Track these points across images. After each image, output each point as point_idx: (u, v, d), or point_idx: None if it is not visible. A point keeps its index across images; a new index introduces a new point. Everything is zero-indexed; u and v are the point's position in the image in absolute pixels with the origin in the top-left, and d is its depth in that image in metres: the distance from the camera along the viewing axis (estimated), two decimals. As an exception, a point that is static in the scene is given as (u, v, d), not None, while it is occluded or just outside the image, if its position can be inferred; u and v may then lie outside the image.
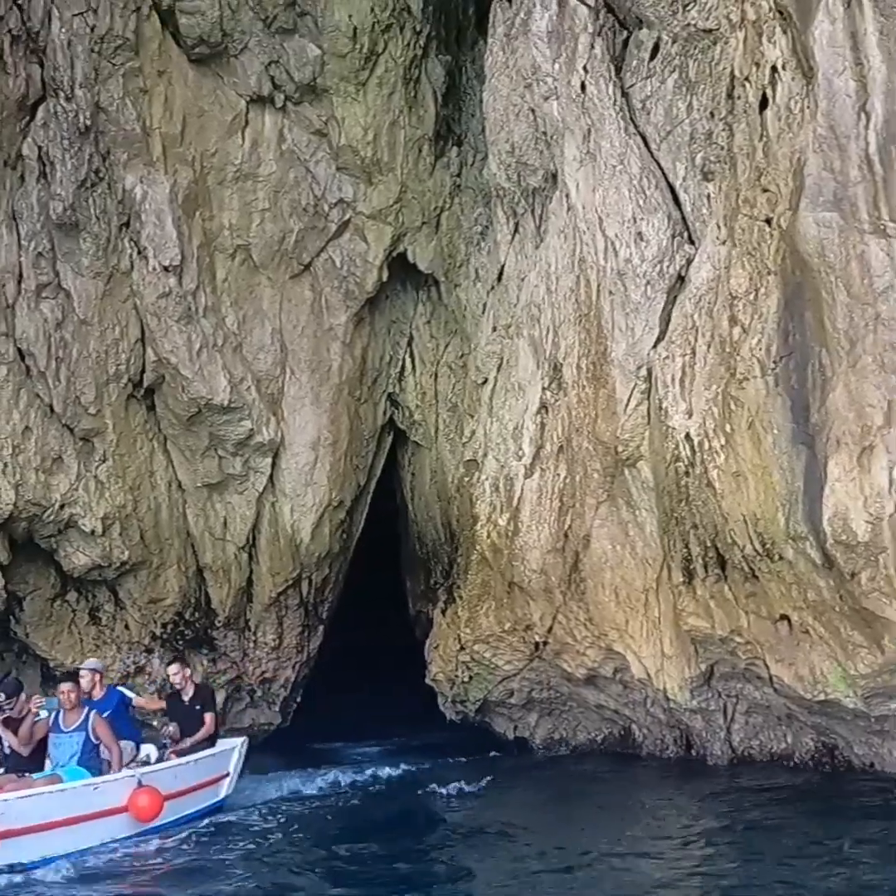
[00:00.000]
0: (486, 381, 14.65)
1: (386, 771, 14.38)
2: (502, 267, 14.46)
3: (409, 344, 17.76)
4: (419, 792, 13.00)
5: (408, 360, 17.75)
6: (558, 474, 12.99)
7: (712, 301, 11.53)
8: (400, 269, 17.11)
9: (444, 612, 15.05)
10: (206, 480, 16.17)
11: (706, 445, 11.29)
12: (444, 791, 12.81)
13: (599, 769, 13.64)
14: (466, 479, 14.66)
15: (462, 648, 13.91)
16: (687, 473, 11.57)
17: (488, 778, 13.33)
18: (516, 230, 13.97)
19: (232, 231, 16.13)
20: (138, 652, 16.45)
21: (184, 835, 11.28)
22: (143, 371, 15.62)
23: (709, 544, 11.53)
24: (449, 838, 11.10)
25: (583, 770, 13.74)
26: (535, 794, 12.88)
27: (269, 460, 16.28)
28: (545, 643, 13.21)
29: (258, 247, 16.27)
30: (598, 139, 12.09)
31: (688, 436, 11.50)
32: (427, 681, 15.54)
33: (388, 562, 20.99)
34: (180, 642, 16.64)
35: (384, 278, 16.76)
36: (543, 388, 13.19)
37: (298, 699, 17.87)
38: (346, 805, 12.73)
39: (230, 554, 16.58)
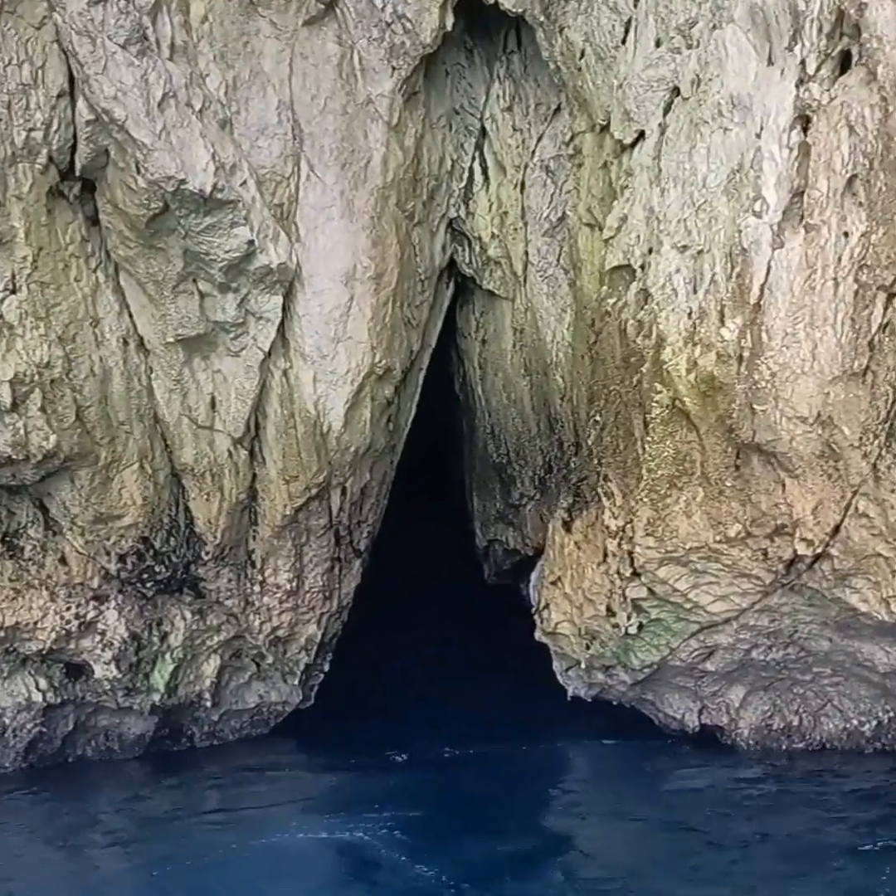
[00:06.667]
0: (640, 136, 7.68)
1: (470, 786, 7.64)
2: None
3: (480, 146, 10.78)
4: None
5: (478, 169, 10.78)
6: (847, 230, 6.07)
7: None
8: (466, 26, 10.18)
9: (567, 524, 8.14)
10: (180, 333, 9.29)
11: None
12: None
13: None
14: (611, 299, 7.73)
15: (634, 575, 7.09)
16: None
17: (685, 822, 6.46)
18: None
19: (213, -63, 9.09)
20: (83, 600, 9.62)
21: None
22: (73, 146, 8.56)
23: None
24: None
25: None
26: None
27: (279, 301, 9.39)
28: (817, 558, 6.30)
29: (254, -31, 9.29)
30: None
31: None
32: (539, 636, 8.64)
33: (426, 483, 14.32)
34: (150, 585, 9.74)
35: (448, 25, 9.79)
36: (800, 84, 6.25)
37: (325, 667, 10.93)
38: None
39: (222, 449, 9.72)
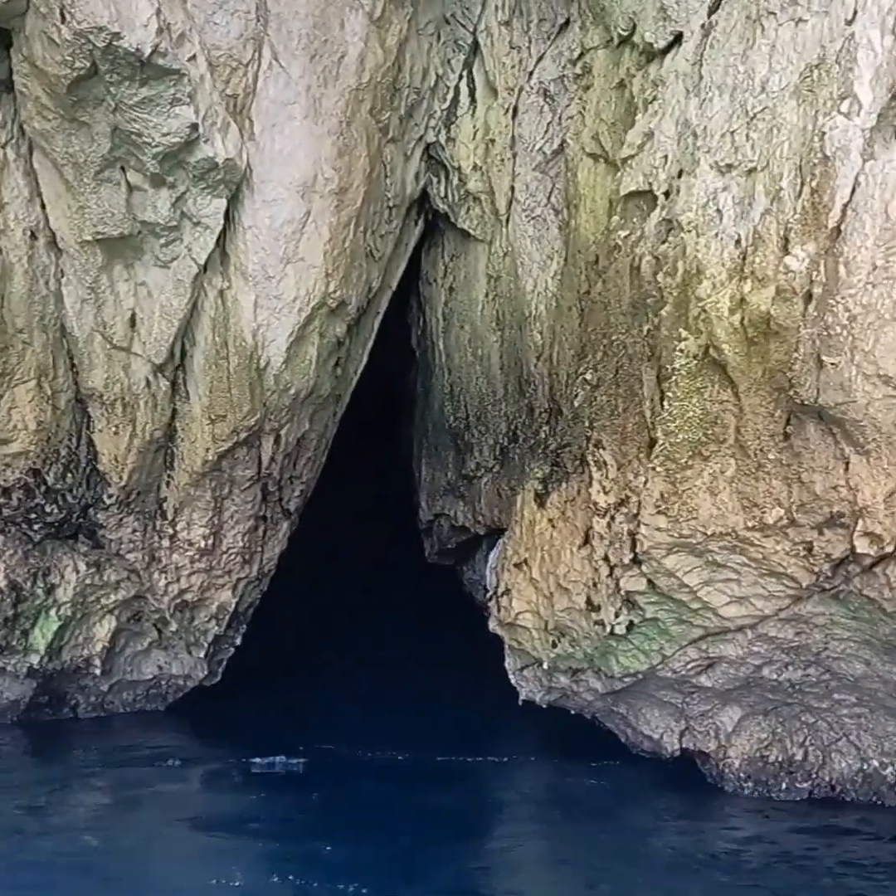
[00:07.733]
0: (676, 41, 6.24)
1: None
2: None
3: (469, 64, 9.28)
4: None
5: (464, 90, 9.28)
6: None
7: None
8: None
9: (541, 497, 6.71)
10: (100, 231, 7.67)
11: None
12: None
13: None
14: (622, 232, 6.30)
15: (633, 563, 5.56)
16: None
17: None
18: None
19: None
20: (-45, 539, 7.90)
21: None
22: (-15, -17, 6.88)
23: None
24: None
25: None
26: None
27: (221, 205, 7.81)
28: (881, 559, 4.91)
29: None
30: None
31: None
32: (493, 626, 7.19)
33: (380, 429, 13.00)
34: (38, 527, 8.09)
35: None
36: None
37: (237, 641, 9.37)
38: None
39: (139, 376, 8.13)
